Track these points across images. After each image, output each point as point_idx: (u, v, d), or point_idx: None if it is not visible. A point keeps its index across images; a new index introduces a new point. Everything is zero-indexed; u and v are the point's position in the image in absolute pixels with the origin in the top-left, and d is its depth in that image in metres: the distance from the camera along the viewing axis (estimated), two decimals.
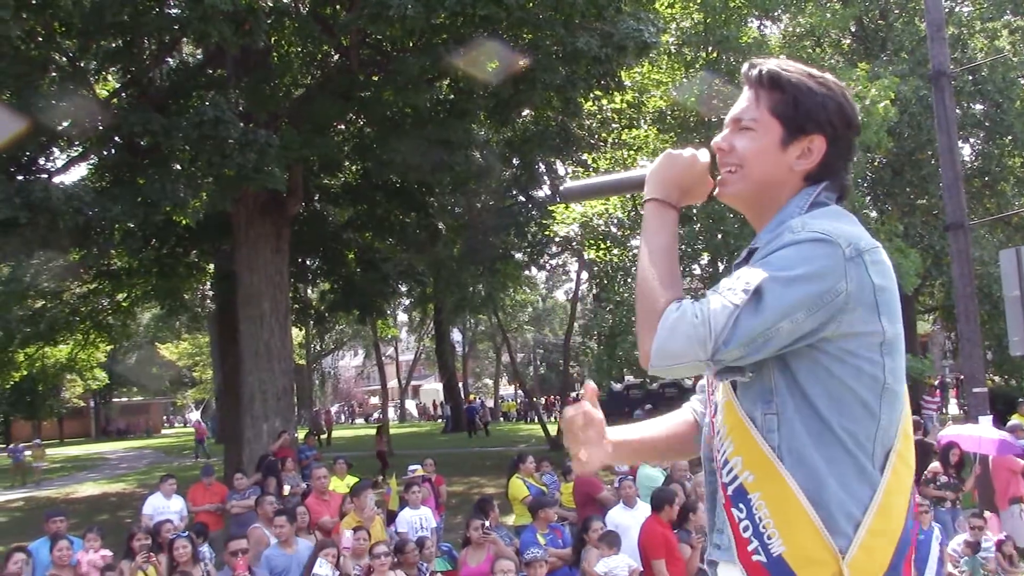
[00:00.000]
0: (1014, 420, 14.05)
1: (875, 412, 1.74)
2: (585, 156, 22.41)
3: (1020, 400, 16.34)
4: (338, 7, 15.97)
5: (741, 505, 1.76)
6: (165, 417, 68.12)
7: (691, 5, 18.95)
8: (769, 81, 1.88)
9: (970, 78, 22.67)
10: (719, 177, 1.94)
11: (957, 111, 16.81)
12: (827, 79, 1.89)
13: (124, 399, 59.58)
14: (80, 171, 18.72)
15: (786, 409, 1.73)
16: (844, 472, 1.71)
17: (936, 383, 31.23)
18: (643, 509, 8.80)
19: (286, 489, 12.33)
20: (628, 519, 8.84)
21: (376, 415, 53.08)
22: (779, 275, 1.67)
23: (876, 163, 24.05)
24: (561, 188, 2.18)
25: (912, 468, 1.83)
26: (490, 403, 54.25)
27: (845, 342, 1.71)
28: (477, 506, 9.46)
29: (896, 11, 25.13)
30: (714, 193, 1.95)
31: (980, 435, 11.23)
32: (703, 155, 1.93)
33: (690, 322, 1.68)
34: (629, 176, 2.08)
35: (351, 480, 11.72)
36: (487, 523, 8.64)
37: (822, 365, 1.72)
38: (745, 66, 1.95)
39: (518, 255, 26.16)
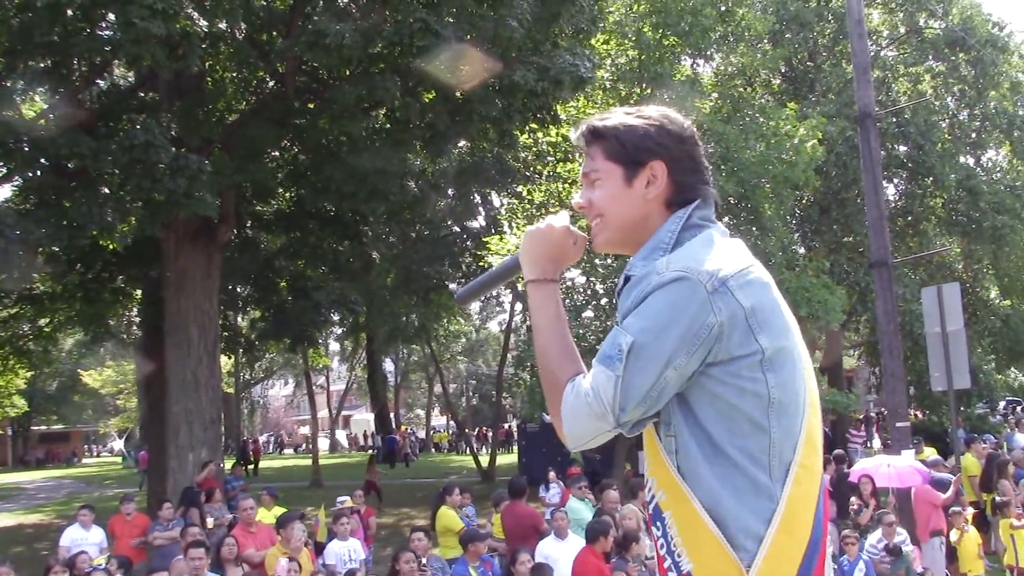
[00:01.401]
0: (933, 456, 14.36)
1: (764, 426, 1.77)
2: (520, 188, 22.51)
3: (916, 440, 16.32)
4: (275, 34, 15.88)
5: (658, 523, 1.84)
6: (87, 446, 66.30)
7: (626, 42, 19.22)
8: (592, 135, 2.00)
9: (894, 120, 23.36)
10: (590, 231, 2.03)
11: (882, 152, 17.25)
12: (644, 110, 1.99)
13: (43, 427, 57.80)
14: (3, 192, 18.27)
15: (681, 431, 1.79)
16: (739, 488, 1.75)
17: (861, 417, 31.86)
18: (574, 541, 8.81)
19: (209, 521, 12.06)
20: (559, 551, 8.83)
21: (305, 445, 52.24)
22: (649, 327, 1.74)
23: (804, 201, 24.58)
24: (455, 296, 2.32)
25: (818, 476, 1.86)
26: (421, 434, 53.88)
27: (725, 367, 1.76)
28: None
29: (824, 53, 25.82)
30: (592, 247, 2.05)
31: (897, 468, 11.45)
32: (559, 220, 2.03)
33: (584, 402, 1.77)
34: (507, 263, 2.16)
35: (279, 511, 11.52)
36: (424, 560, 8.56)
37: (706, 389, 1.77)
38: (572, 133, 2.08)
39: (452, 285, 26.15)
